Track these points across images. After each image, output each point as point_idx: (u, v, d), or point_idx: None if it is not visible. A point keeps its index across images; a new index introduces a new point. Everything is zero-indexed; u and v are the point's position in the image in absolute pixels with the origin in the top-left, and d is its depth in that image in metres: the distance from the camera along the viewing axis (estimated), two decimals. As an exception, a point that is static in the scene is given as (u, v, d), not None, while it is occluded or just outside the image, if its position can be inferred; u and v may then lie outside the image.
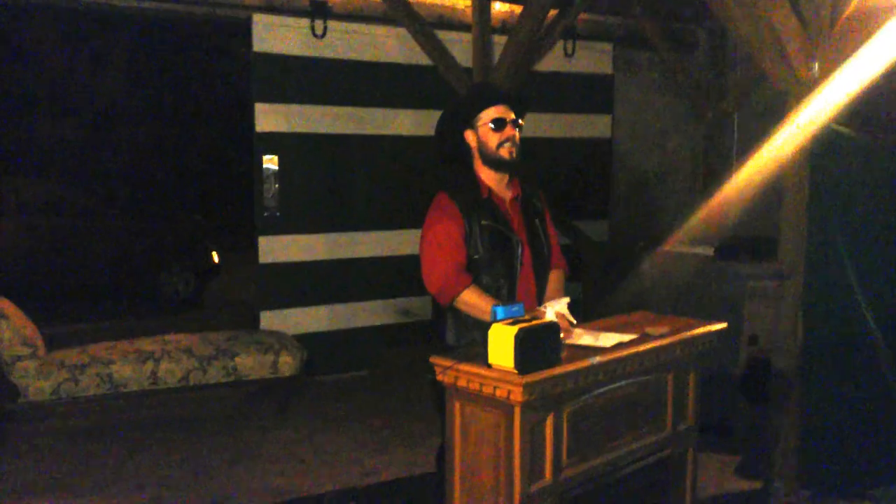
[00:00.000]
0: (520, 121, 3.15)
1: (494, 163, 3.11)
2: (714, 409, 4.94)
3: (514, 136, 3.10)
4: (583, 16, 7.27)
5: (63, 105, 13.96)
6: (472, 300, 2.96)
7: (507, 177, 3.19)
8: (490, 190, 3.14)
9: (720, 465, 4.73)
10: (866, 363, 4.49)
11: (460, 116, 3.17)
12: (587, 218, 7.92)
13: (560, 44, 7.46)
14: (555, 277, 3.30)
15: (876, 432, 4.46)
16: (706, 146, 8.11)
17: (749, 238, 5.66)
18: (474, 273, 3.04)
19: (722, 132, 7.95)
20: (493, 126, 3.08)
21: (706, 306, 5.20)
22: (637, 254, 6.29)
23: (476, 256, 3.05)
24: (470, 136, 3.15)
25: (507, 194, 3.18)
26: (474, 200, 3.09)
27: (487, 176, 3.16)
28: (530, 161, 3.49)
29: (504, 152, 3.08)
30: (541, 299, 3.17)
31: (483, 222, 3.06)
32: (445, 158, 3.27)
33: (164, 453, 4.92)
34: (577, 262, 7.26)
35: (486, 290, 3.02)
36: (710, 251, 5.62)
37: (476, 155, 3.16)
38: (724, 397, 5.05)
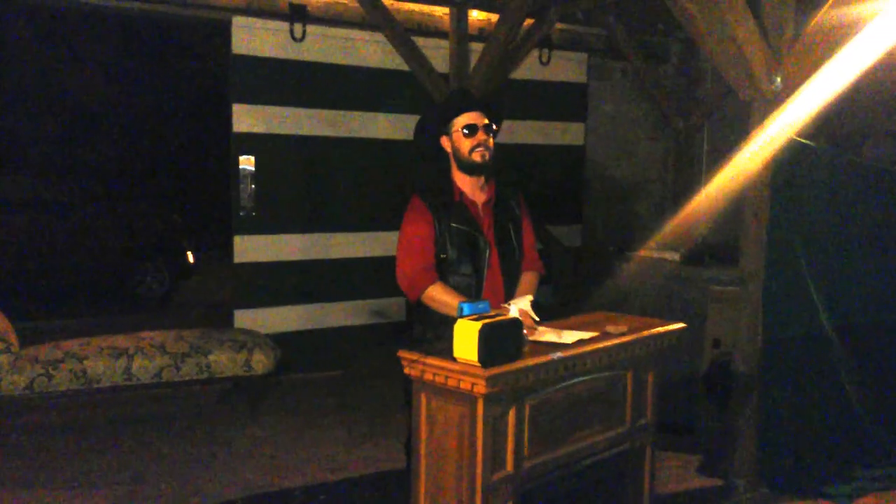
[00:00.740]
0: (494, 126, 3.28)
1: (467, 167, 3.24)
2: (678, 410, 5.09)
3: (486, 140, 3.23)
4: (558, 25, 7.42)
5: (40, 102, 13.91)
6: (438, 296, 3.13)
7: (481, 180, 3.31)
8: (462, 193, 3.26)
9: (683, 463, 4.86)
10: (822, 365, 4.66)
11: (435, 123, 3.31)
12: (561, 223, 8.06)
13: (535, 52, 7.61)
14: (527, 279, 3.42)
15: (830, 431, 4.63)
16: (676, 155, 8.28)
17: (715, 244, 5.82)
18: (444, 272, 3.18)
19: (692, 142, 8.12)
20: (465, 132, 3.21)
21: (673, 310, 5.34)
22: (608, 258, 6.43)
23: (443, 256, 3.19)
24: (445, 142, 3.30)
25: (480, 198, 3.30)
26: (445, 203, 3.22)
27: (462, 180, 3.28)
28: (510, 167, 3.63)
29: (476, 156, 3.21)
30: (509, 299, 3.28)
31: (453, 224, 3.20)
32: (425, 161, 3.41)
33: (136, 449, 4.97)
34: (548, 265, 7.39)
35: (455, 288, 3.15)
36: (676, 257, 5.77)
37: (452, 160, 3.29)
38: (689, 399, 5.19)
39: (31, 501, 4.19)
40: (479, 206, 3.30)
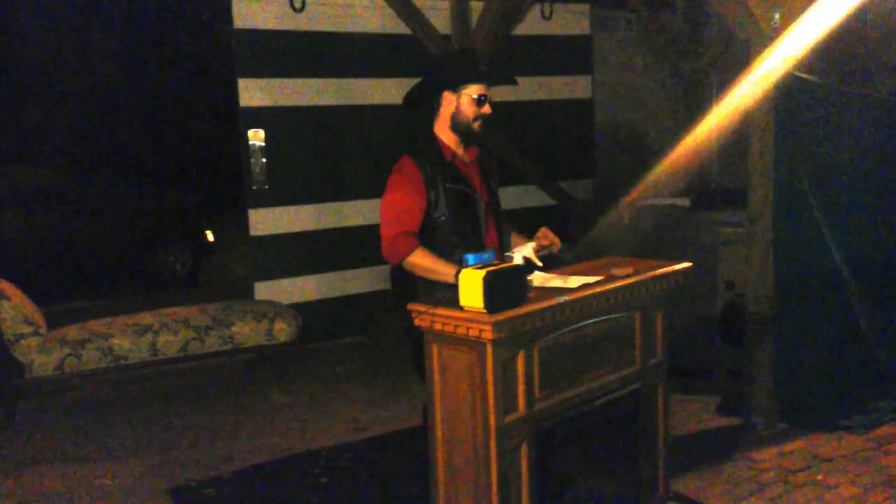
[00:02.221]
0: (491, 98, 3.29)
1: (464, 131, 3.22)
2: (696, 354, 5.15)
3: (488, 113, 3.23)
4: (558, -23, 7.38)
5: (50, 91, 14.00)
6: (420, 262, 3.08)
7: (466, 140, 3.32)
8: (454, 153, 3.26)
9: (702, 405, 4.92)
10: (835, 300, 4.68)
11: (449, 76, 3.25)
12: (571, 178, 8.06)
13: (537, 7, 7.56)
14: (515, 233, 3.46)
15: (845, 366, 4.66)
16: (686, 102, 8.23)
17: (724, 187, 5.82)
18: (443, 234, 3.17)
19: (701, 88, 8.06)
20: (477, 100, 3.19)
21: (685, 255, 5.34)
22: (620, 209, 6.45)
23: (443, 218, 3.17)
24: (448, 98, 3.22)
25: (466, 156, 3.32)
26: (439, 164, 3.21)
27: (448, 138, 3.26)
28: (503, 124, 3.64)
29: (477, 125, 3.22)
30: (503, 251, 3.30)
31: (448, 185, 3.19)
32: (412, 104, 3.34)
33: (165, 421, 5.11)
34: (563, 221, 7.42)
35: (456, 248, 3.12)
36: (687, 202, 5.78)
37: (442, 114, 3.24)
38: (705, 341, 5.24)
39: (67, 475, 4.34)
40: (468, 164, 3.33)
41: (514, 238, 3.41)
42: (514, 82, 3.46)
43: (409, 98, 3.32)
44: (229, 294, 7.28)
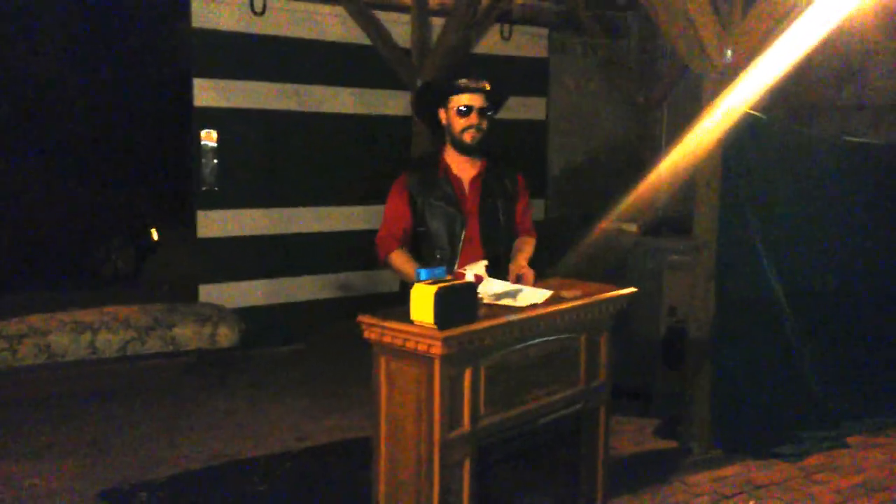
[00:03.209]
0: (489, 112, 3.41)
1: (457, 145, 3.41)
2: (637, 376, 5.24)
3: (479, 123, 3.36)
4: (519, 0, 7.48)
5: (-4, 79, 13.65)
6: (395, 263, 3.40)
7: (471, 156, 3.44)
8: (448, 169, 3.44)
9: (640, 427, 5.00)
10: (773, 331, 4.82)
11: (435, 95, 3.45)
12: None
13: (497, 27, 7.66)
14: (523, 240, 3.61)
15: (779, 395, 4.80)
16: (637, 130, 8.40)
17: (672, 216, 5.96)
18: (422, 242, 3.41)
19: (652, 116, 8.24)
20: (462, 109, 3.33)
21: (633, 280, 5.44)
22: (570, 231, 6.55)
23: (422, 229, 3.40)
24: (442, 115, 3.44)
25: (469, 173, 3.46)
26: (430, 180, 3.41)
27: (451, 155, 3.45)
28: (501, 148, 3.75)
29: (467, 137, 3.36)
30: (492, 267, 3.36)
31: (432, 200, 3.39)
32: (427, 126, 3.61)
33: (101, 421, 5.00)
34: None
35: (432, 259, 3.34)
36: (635, 228, 5.90)
37: (447, 133, 3.44)
38: (646, 364, 5.33)
39: (-4, 474, 4.22)
40: (466, 181, 3.44)
41: (517, 242, 3.58)
42: (485, 89, 3.49)
43: (419, 113, 3.66)
44: (173, 295, 7.18)
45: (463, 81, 3.38)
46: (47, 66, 14.10)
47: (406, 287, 3.29)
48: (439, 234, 3.39)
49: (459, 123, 3.34)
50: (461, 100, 3.33)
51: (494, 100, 3.44)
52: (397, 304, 3.04)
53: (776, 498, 4.05)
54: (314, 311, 7.04)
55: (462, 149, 3.40)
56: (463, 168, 3.46)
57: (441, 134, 3.49)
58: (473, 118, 3.33)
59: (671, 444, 4.75)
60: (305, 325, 6.97)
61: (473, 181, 3.47)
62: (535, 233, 3.72)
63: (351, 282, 7.15)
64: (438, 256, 3.37)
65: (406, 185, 3.42)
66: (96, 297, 7.61)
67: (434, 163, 3.47)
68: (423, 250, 3.43)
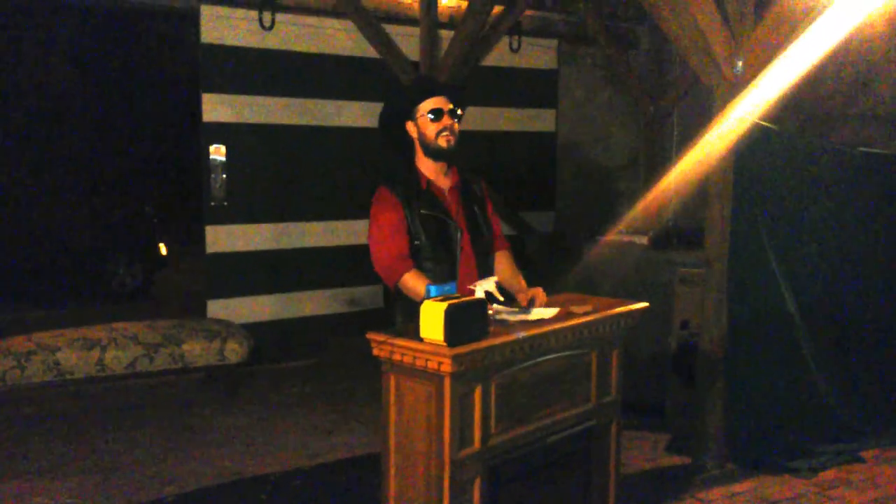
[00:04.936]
0: (458, 111, 3.31)
1: (434, 152, 3.27)
2: (649, 391, 5.18)
3: (451, 125, 3.26)
4: (528, 12, 7.46)
5: (8, 94, 13.73)
6: (411, 284, 3.14)
7: (445, 166, 3.34)
8: (429, 181, 3.30)
9: (652, 442, 4.95)
10: (787, 345, 4.76)
11: (401, 108, 3.32)
12: (533, 209, 8.13)
13: (506, 39, 7.65)
14: (504, 257, 3.49)
15: (793, 410, 4.74)
16: (647, 141, 8.36)
17: (682, 228, 5.91)
18: (419, 258, 3.22)
19: (662, 127, 8.20)
20: (431, 116, 3.23)
21: (643, 292, 5.38)
22: (580, 243, 6.50)
23: (417, 243, 3.22)
24: (411, 128, 3.30)
25: (445, 183, 3.34)
26: (413, 192, 3.25)
27: (427, 167, 3.31)
28: (466, 152, 3.66)
29: (442, 141, 3.24)
30: (482, 278, 3.31)
31: (422, 212, 3.23)
32: (391, 149, 3.42)
33: (110, 439, 4.98)
34: (521, 251, 7.46)
35: (430, 273, 3.18)
36: (645, 240, 5.85)
37: (417, 146, 3.31)
38: (658, 379, 5.28)
39: (5, 491, 4.20)
40: (446, 191, 3.34)
41: (497, 264, 3.42)
42: (464, 89, 3.45)
43: (385, 143, 3.41)
44: (181, 310, 7.17)
45: (425, 85, 3.34)
46: (57, 81, 14.19)
47: (392, 302, 3.25)
48: (436, 248, 3.23)
49: (432, 128, 3.22)
50: (428, 105, 3.23)
51: (459, 101, 3.33)
52: (385, 319, 3.00)
53: (792, 514, 3.99)
54: (323, 326, 7.01)
55: (439, 155, 3.26)
56: (439, 177, 3.32)
57: (406, 150, 3.35)
58: (446, 120, 3.23)
59: (684, 459, 4.69)
60: (314, 340, 6.94)
61: (451, 190, 3.35)
62: (508, 243, 3.58)
63: (359, 296, 7.12)
64: (437, 270, 3.21)
65: (396, 198, 3.22)
66: (104, 312, 7.63)
67: (413, 174, 3.31)
68: (420, 265, 3.21)
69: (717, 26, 4.20)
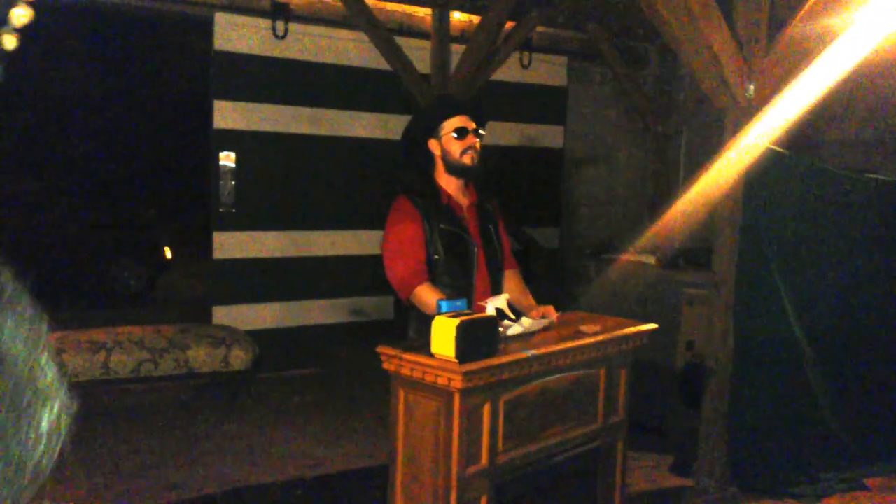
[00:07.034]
0: (480, 130, 3.34)
1: (458, 170, 3.29)
2: (653, 411, 5.18)
3: (475, 143, 3.29)
4: (539, 29, 7.49)
5: (19, 98, 13.78)
6: (424, 297, 3.12)
7: (464, 183, 3.37)
8: (449, 196, 3.32)
9: (655, 463, 4.94)
10: (792, 370, 4.75)
11: (425, 126, 3.36)
12: (539, 225, 8.13)
13: (516, 55, 7.67)
14: (513, 276, 3.51)
15: (797, 434, 4.72)
16: (655, 160, 8.38)
17: (690, 249, 5.91)
18: (435, 273, 3.22)
19: (670, 147, 8.22)
20: (455, 135, 3.27)
21: (649, 312, 5.42)
22: (586, 261, 6.51)
23: (436, 257, 3.23)
24: (434, 145, 3.32)
25: (464, 201, 3.38)
26: (434, 205, 3.27)
27: (447, 183, 3.34)
28: (485, 170, 3.68)
29: (467, 159, 3.28)
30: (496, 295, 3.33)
31: (442, 226, 3.24)
32: (411, 165, 3.45)
33: (113, 443, 4.98)
34: (527, 267, 7.46)
35: (446, 288, 3.17)
36: (653, 261, 5.86)
37: (438, 163, 3.33)
38: (663, 400, 5.27)
39: (6, 494, 4.19)
40: (465, 208, 3.37)
41: (507, 282, 3.43)
42: (484, 109, 3.48)
43: (407, 159, 3.45)
44: (185, 315, 7.17)
45: (451, 104, 3.36)
46: (68, 85, 14.25)
47: (405, 313, 3.26)
48: (452, 263, 3.24)
49: (457, 146, 3.25)
50: (453, 123, 3.26)
51: (481, 119, 3.36)
52: (393, 330, 2.99)
53: (794, 540, 3.97)
54: (327, 336, 7.01)
55: (462, 172, 3.29)
56: (459, 194, 3.35)
57: (426, 165, 3.36)
58: (470, 138, 3.27)
59: (686, 482, 4.67)
60: (318, 349, 6.94)
61: (470, 207, 3.37)
62: (515, 262, 3.60)
63: (365, 307, 7.13)
64: (453, 285, 3.21)
65: (417, 210, 3.22)
66: (110, 316, 7.63)
67: (432, 187, 3.32)
68: (436, 279, 3.21)
69: (730, 49, 4.21)
